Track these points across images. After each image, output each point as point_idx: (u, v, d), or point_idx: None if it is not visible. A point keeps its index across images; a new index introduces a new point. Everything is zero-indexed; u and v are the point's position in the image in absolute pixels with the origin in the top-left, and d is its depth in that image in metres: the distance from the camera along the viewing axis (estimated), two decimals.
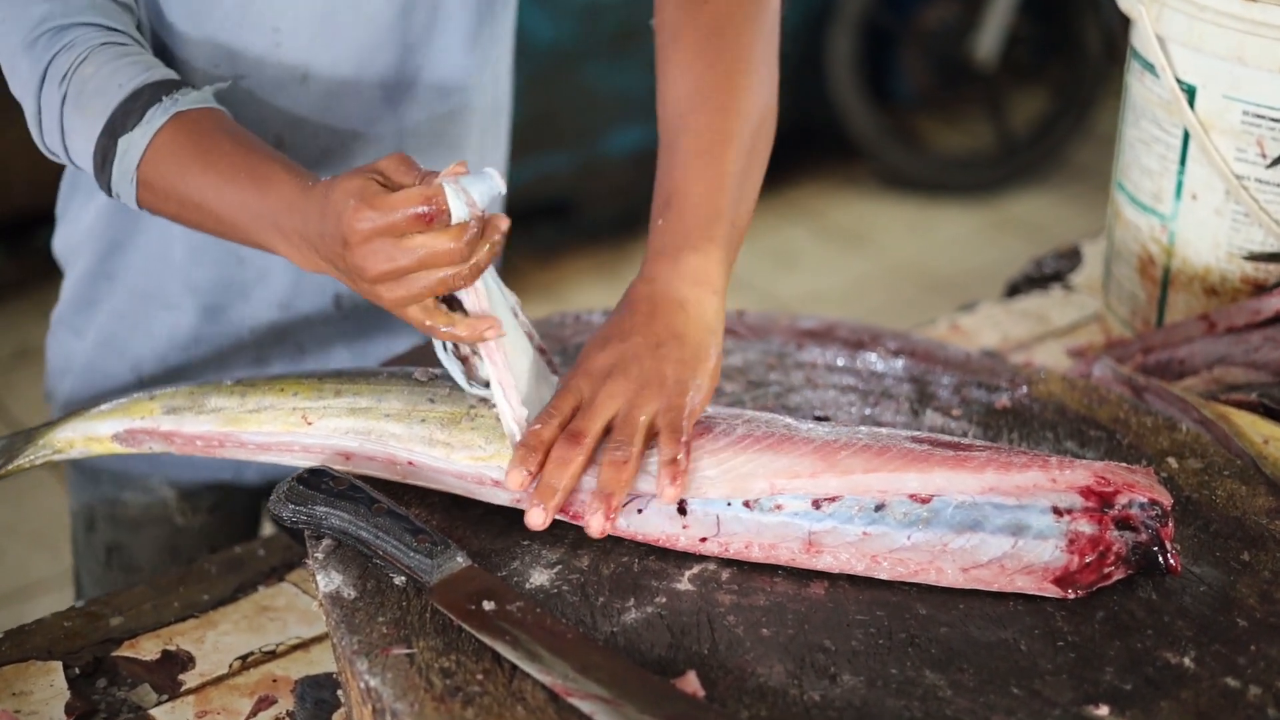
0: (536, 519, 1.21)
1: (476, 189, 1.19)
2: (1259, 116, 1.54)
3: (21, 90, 1.41)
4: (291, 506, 1.23)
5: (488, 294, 1.25)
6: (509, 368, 1.26)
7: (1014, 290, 1.96)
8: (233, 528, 1.76)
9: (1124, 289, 1.75)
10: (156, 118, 1.35)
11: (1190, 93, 1.59)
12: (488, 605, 1.14)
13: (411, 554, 1.18)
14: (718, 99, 1.39)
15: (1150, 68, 1.63)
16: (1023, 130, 5.04)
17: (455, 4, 1.57)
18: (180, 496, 1.72)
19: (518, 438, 1.25)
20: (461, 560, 1.18)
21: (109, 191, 1.38)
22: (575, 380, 1.28)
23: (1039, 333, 1.82)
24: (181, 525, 1.73)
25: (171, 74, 1.39)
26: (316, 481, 1.24)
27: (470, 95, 1.65)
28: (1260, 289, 1.61)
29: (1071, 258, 2.00)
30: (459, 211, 1.18)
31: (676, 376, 1.27)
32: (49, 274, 4.50)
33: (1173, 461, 1.39)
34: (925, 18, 4.99)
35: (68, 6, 1.39)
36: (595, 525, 1.20)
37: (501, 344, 1.26)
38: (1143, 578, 1.22)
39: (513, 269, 4.47)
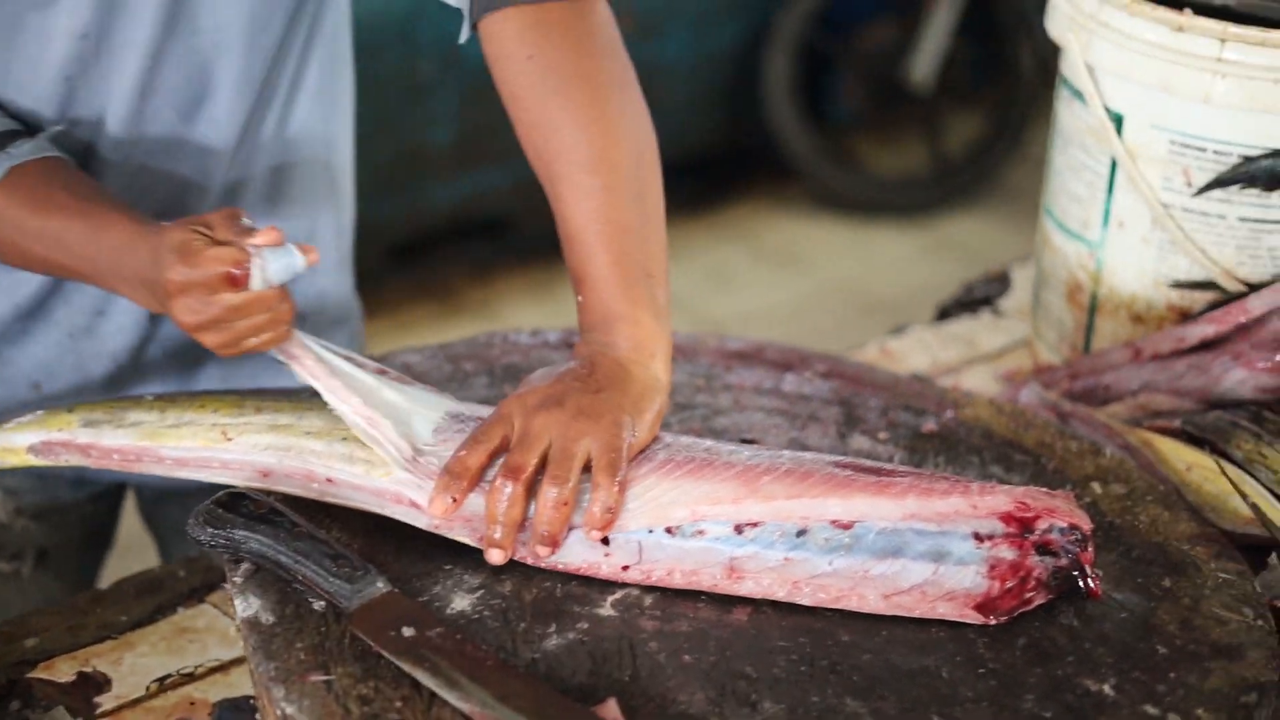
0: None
1: (275, 263, 1.23)
2: (1185, 145, 1.56)
3: None
4: (210, 530, 1.22)
5: (316, 356, 1.29)
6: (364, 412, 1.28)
7: (944, 314, 1.97)
8: (63, 535, 1.73)
9: (1052, 315, 1.76)
10: None
11: (1118, 121, 1.60)
12: (407, 631, 1.13)
13: (331, 579, 1.16)
14: (582, 160, 1.35)
15: (1079, 95, 1.64)
16: (958, 152, 5.07)
17: (313, 62, 1.58)
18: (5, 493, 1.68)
19: (403, 465, 1.25)
20: (381, 586, 1.17)
21: None
22: (507, 408, 1.26)
23: (968, 357, 1.82)
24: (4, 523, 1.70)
25: (10, 124, 1.39)
26: (235, 504, 1.23)
27: (313, 150, 1.63)
28: (1186, 317, 1.62)
29: (1001, 282, 2.01)
30: (256, 281, 1.23)
31: (614, 415, 1.25)
32: None
33: (1097, 486, 1.39)
34: (862, 39, 5.02)
35: None
36: (500, 557, 1.22)
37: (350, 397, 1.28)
38: (1064, 604, 1.23)
39: (448, 286, 4.47)
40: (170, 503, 1.76)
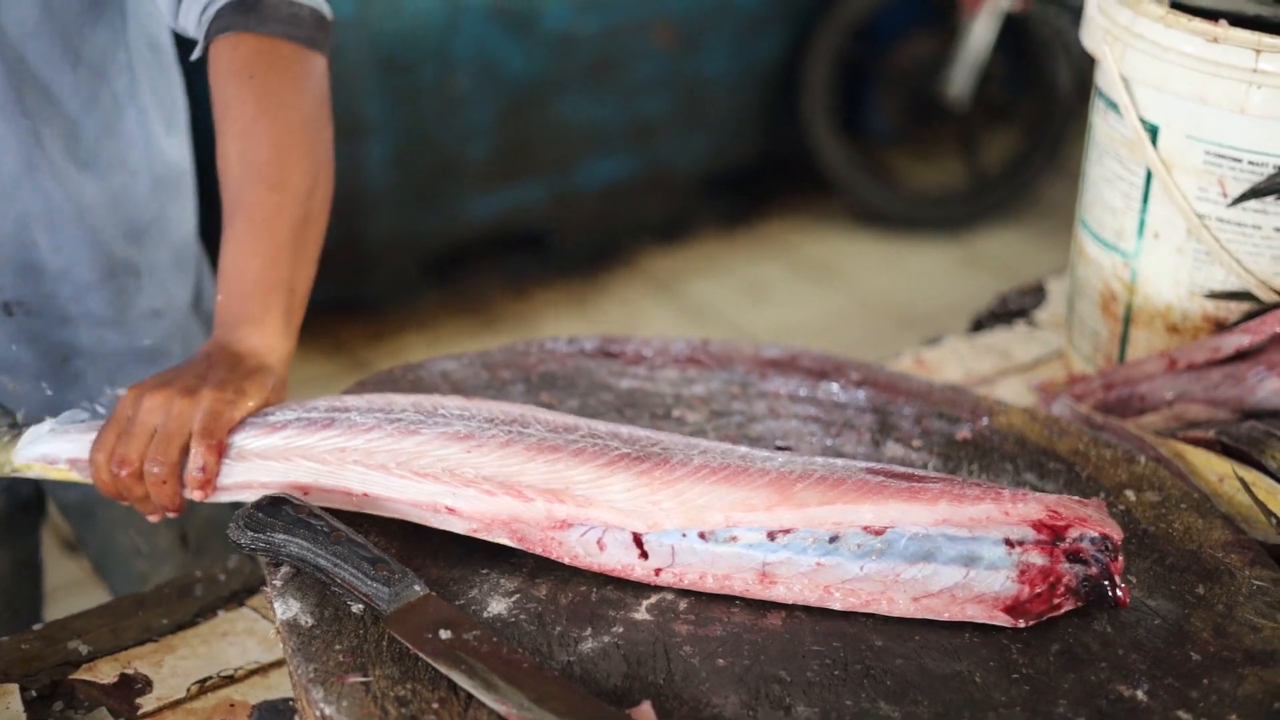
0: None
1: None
2: (1220, 156, 1.56)
3: None
4: (250, 534, 1.23)
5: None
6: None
7: (978, 325, 1.97)
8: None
9: (1086, 325, 1.76)
10: None
11: (1153, 132, 1.60)
12: (444, 634, 1.14)
13: (369, 582, 1.18)
14: (269, 175, 1.46)
15: (1114, 107, 1.64)
16: (994, 167, 5.07)
17: None
18: None
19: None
20: (419, 589, 1.18)
21: None
22: (120, 404, 1.37)
23: (1002, 368, 1.83)
24: None
25: None
26: (276, 509, 1.24)
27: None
28: (1221, 327, 1.62)
29: (1036, 294, 2.01)
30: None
31: (219, 386, 1.36)
32: None
33: (1130, 494, 1.39)
34: (899, 55, 5.02)
35: None
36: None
37: None
38: (1098, 610, 1.23)
39: (484, 300, 4.49)
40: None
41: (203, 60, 1.53)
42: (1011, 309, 1.99)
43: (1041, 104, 5.03)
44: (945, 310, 4.39)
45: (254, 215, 1.45)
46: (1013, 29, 4.87)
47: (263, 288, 1.44)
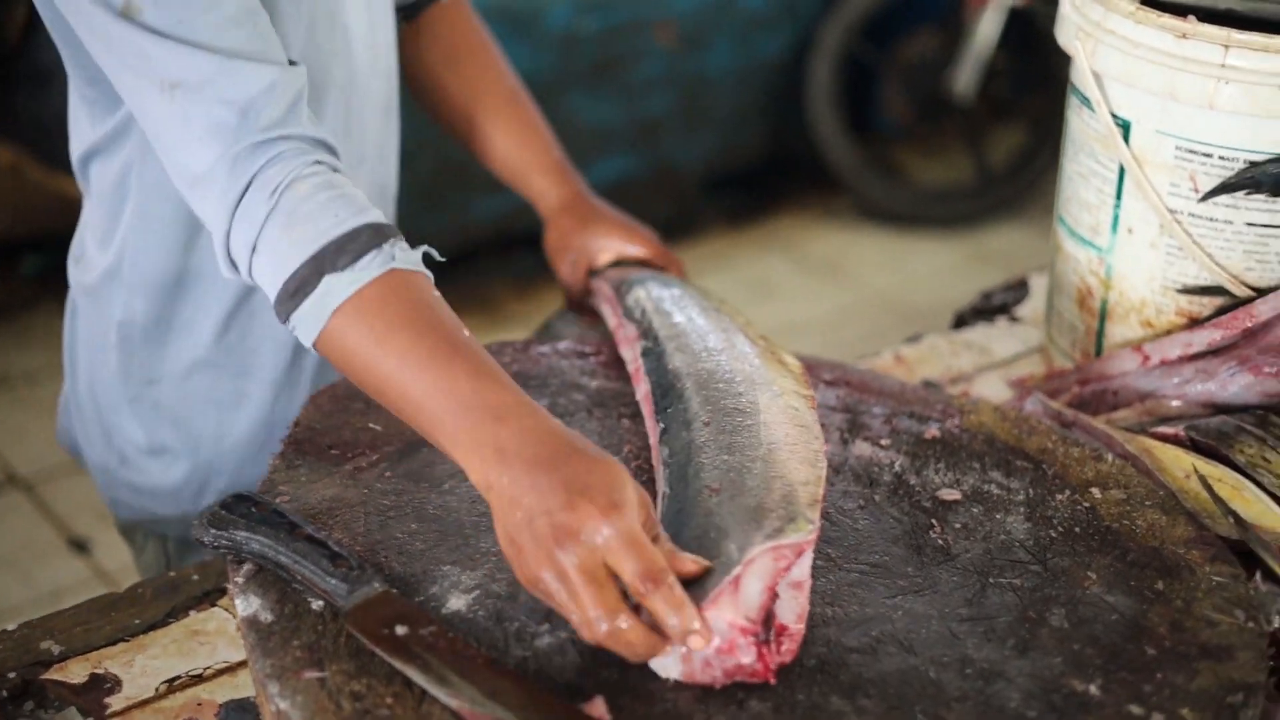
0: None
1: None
2: (1191, 151, 1.56)
3: (204, 188, 1.33)
4: (213, 531, 1.25)
5: None
6: None
7: (960, 322, 1.97)
8: None
9: (1064, 321, 1.77)
10: (373, 266, 1.27)
11: (1125, 127, 1.60)
12: (400, 630, 1.15)
13: (328, 579, 1.19)
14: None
15: (1087, 102, 1.65)
16: (1001, 163, 5.07)
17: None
18: None
19: None
20: (378, 585, 1.19)
21: (283, 318, 1.31)
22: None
23: (981, 364, 1.83)
24: None
25: (383, 217, 1.32)
26: (239, 507, 1.26)
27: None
28: (1195, 322, 1.62)
29: (1019, 289, 2.01)
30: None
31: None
32: (30, 300, 4.50)
33: (1096, 492, 1.40)
34: (904, 50, 5.02)
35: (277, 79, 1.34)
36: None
37: None
38: (1056, 606, 1.24)
39: (492, 298, 4.50)
40: None
41: None
42: (994, 305, 1.99)
43: (1048, 100, 5.02)
44: (951, 307, 4.35)
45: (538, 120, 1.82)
46: (1018, 24, 4.86)
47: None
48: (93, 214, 1.64)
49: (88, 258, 1.67)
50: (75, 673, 1.35)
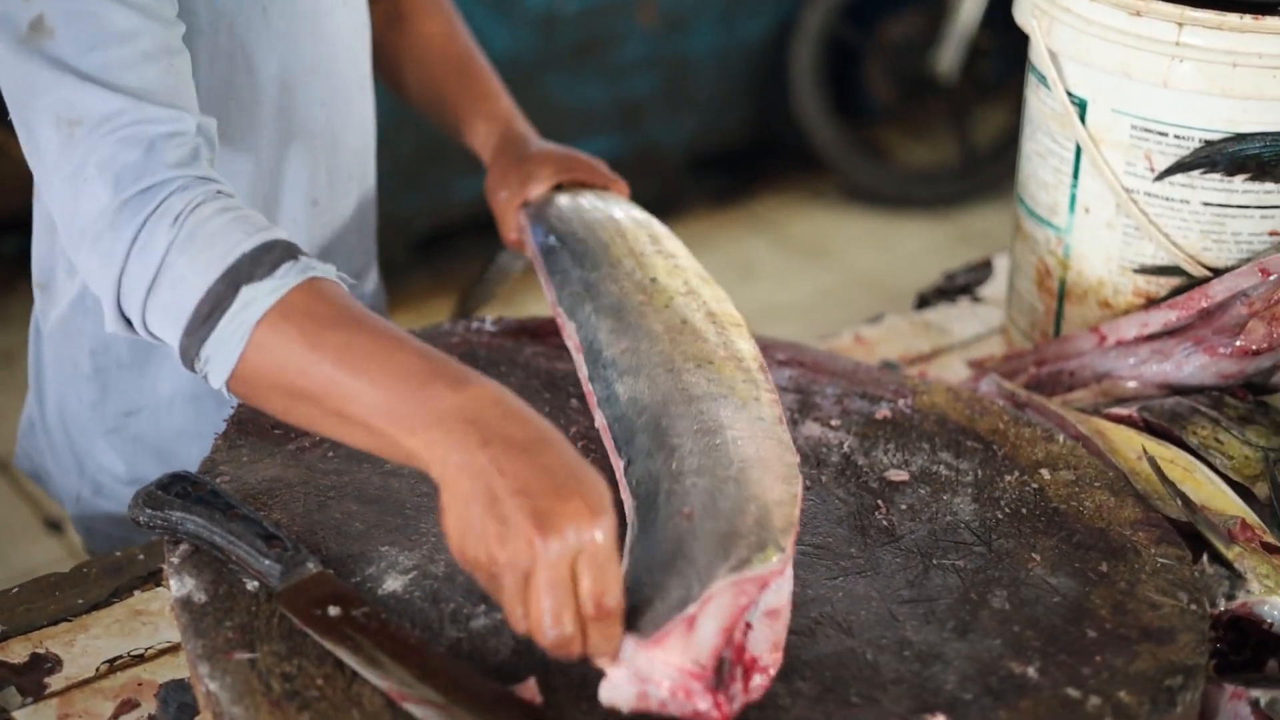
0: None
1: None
2: (1146, 130, 1.55)
3: (94, 231, 1.23)
4: (149, 511, 1.24)
5: None
6: None
7: (924, 302, 1.96)
8: None
9: (1024, 301, 1.76)
10: (291, 274, 1.19)
11: (1081, 106, 1.59)
12: (332, 611, 1.14)
13: (261, 559, 1.18)
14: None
15: (1044, 80, 1.64)
16: (986, 144, 5.05)
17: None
18: None
19: None
20: (312, 566, 1.18)
21: (190, 359, 1.21)
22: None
23: (941, 345, 1.82)
24: None
25: (277, 232, 1.24)
26: (174, 486, 1.25)
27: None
28: (1152, 302, 1.61)
29: (983, 270, 2.01)
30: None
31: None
32: (9, 280, 4.48)
33: (1045, 473, 1.39)
34: (888, 31, 5.00)
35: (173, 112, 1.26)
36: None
37: None
38: (998, 588, 1.23)
39: (469, 280, 4.48)
40: None
41: None
42: (957, 285, 1.98)
43: None
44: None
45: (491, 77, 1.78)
46: (1002, 3, 4.83)
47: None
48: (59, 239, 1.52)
49: (56, 286, 1.59)
50: (16, 652, 1.35)
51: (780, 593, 1.11)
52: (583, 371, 1.41)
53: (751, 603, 1.09)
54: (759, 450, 1.24)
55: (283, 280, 1.18)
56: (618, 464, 1.29)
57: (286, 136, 1.55)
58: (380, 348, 1.14)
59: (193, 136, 1.27)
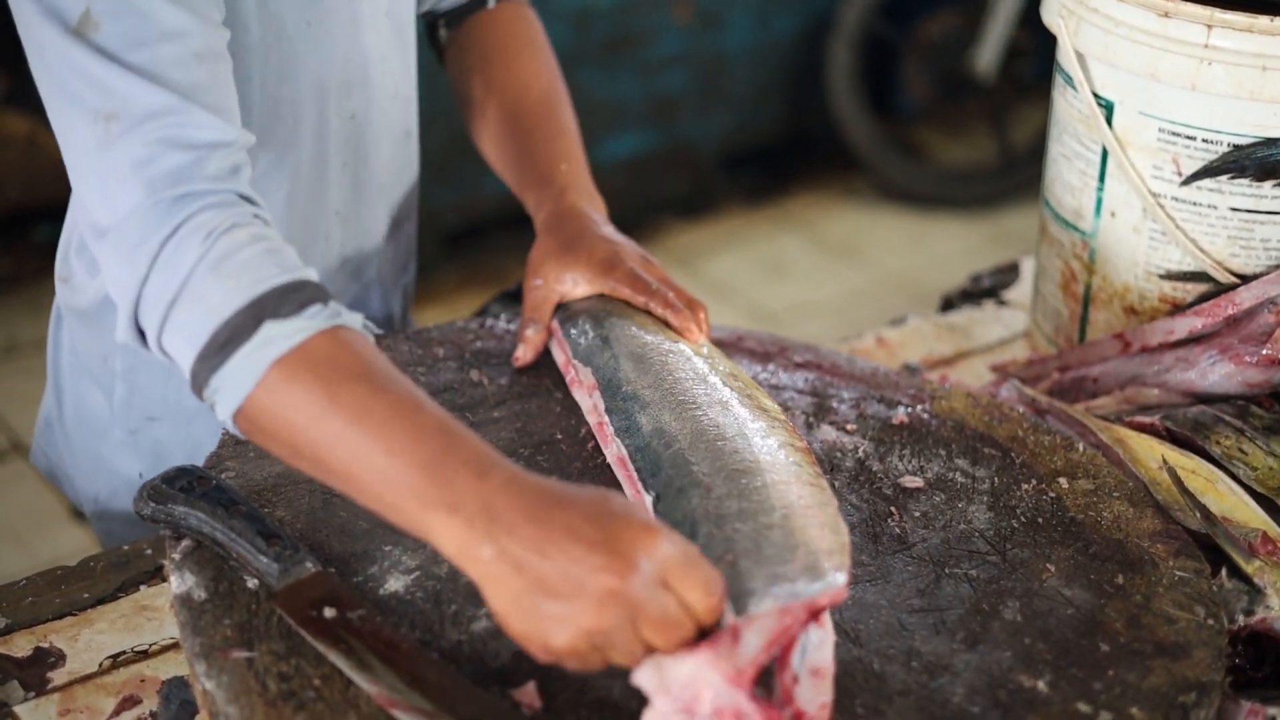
0: None
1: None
2: (1174, 134, 1.52)
3: (119, 233, 1.19)
4: (152, 505, 1.23)
5: None
6: None
7: (948, 305, 1.94)
8: None
9: (1049, 305, 1.73)
10: (319, 317, 1.15)
11: (1108, 108, 1.57)
12: (329, 612, 1.13)
13: (260, 557, 1.17)
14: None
15: (1070, 82, 1.61)
16: (1023, 144, 5.00)
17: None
18: None
19: None
20: (311, 565, 1.17)
21: (199, 385, 1.16)
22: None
23: (964, 348, 1.79)
24: None
25: (304, 272, 1.19)
26: (180, 480, 1.24)
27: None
28: (1178, 308, 1.59)
29: (1009, 272, 1.98)
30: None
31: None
32: (42, 269, 4.51)
33: (1064, 481, 1.37)
34: (925, 29, 4.96)
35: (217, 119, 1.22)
36: None
37: None
38: (1010, 599, 1.21)
39: (500, 273, 4.47)
40: None
41: None
42: (982, 288, 1.95)
43: None
44: None
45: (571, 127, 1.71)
46: (1039, 2, 4.79)
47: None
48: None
49: (77, 280, 1.56)
50: (20, 646, 1.34)
51: (824, 649, 1.06)
52: (597, 407, 1.36)
53: (799, 628, 1.04)
54: (800, 496, 1.18)
55: (308, 323, 1.14)
56: (640, 498, 1.25)
57: (321, 149, 1.53)
58: (399, 412, 1.09)
59: (236, 150, 1.23)
